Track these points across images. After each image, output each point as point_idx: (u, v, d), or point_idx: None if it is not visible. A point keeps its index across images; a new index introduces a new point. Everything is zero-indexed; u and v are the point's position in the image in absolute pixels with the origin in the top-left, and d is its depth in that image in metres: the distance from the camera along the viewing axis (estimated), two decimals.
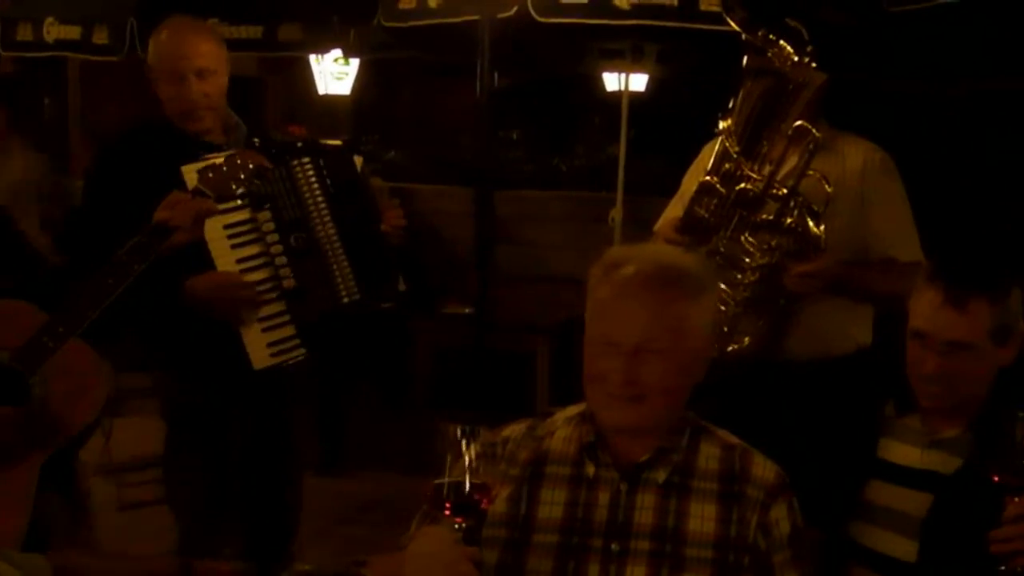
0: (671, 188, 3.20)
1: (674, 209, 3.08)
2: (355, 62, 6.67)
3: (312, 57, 6.55)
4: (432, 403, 5.72)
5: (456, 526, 1.58)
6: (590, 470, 1.85)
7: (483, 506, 1.59)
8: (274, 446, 3.16)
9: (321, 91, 6.81)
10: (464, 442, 1.58)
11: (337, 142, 3.23)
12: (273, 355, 2.94)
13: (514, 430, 1.94)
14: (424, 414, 5.70)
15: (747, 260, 2.83)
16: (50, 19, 5.66)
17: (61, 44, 5.72)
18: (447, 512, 1.57)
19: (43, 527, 2.44)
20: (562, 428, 1.92)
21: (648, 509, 1.81)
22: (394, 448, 5.56)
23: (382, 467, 5.47)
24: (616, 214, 5.66)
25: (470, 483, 1.57)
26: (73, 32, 5.61)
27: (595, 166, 7.74)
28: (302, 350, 2.98)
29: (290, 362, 2.97)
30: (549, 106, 8.83)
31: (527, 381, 5.55)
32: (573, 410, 1.95)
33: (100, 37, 5.50)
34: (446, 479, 1.58)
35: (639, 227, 4.89)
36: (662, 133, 6.95)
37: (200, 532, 3.04)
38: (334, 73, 6.73)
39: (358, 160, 3.12)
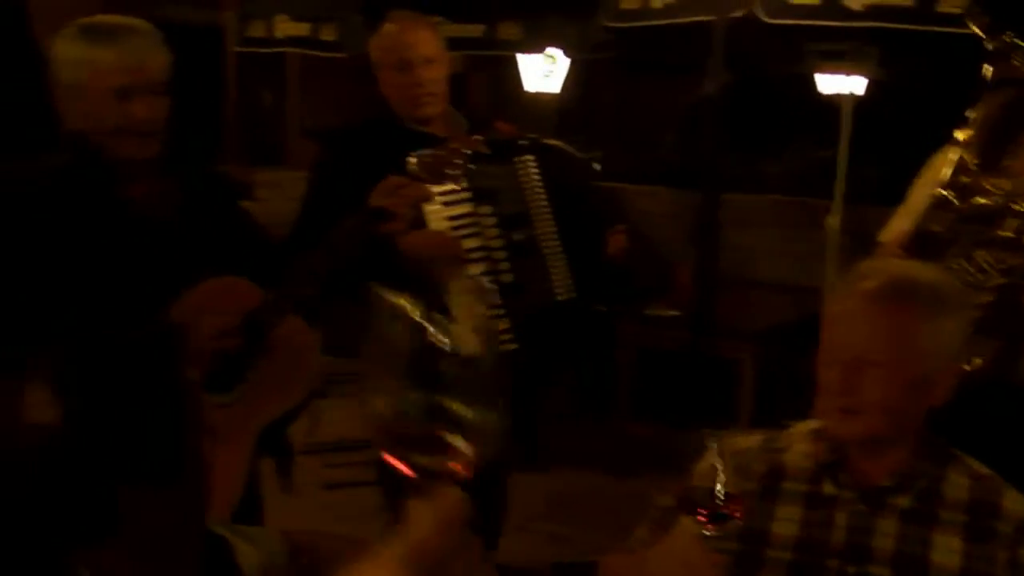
0: (889, 197, 3.08)
1: (900, 221, 2.95)
2: (564, 60, 6.66)
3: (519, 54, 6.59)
4: (633, 405, 5.69)
5: (706, 534, 1.55)
6: (828, 489, 1.80)
7: (735, 516, 1.56)
8: None
9: (529, 89, 6.82)
10: (714, 449, 1.56)
11: (588, 157, 3.24)
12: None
13: (749, 441, 1.90)
14: (625, 415, 5.68)
15: (981, 278, 2.69)
16: (281, 16, 5.94)
17: (290, 40, 5.98)
18: (701, 519, 1.55)
19: (255, 495, 2.55)
20: (799, 443, 1.87)
21: (889, 535, 1.74)
22: (592, 447, 5.56)
23: (580, 465, 5.47)
24: (833, 221, 5.47)
25: (725, 492, 1.54)
26: (302, 29, 5.86)
27: (806, 171, 7.51)
28: (514, 346, 3.01)
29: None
30: (760, 108, 8.62)
31: (731, 387, 5.45)
32: (811, 424, 1.89)
33: (327, 34, 5.72)
34: (710, 485, 1.55)
35: (856, 236, 4.72)
36: (880, 139, 6.68)
37: None
38: (543, 71, 6.73)
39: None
